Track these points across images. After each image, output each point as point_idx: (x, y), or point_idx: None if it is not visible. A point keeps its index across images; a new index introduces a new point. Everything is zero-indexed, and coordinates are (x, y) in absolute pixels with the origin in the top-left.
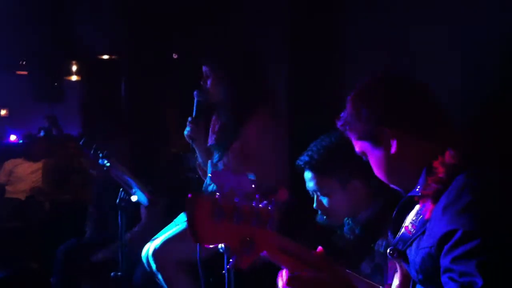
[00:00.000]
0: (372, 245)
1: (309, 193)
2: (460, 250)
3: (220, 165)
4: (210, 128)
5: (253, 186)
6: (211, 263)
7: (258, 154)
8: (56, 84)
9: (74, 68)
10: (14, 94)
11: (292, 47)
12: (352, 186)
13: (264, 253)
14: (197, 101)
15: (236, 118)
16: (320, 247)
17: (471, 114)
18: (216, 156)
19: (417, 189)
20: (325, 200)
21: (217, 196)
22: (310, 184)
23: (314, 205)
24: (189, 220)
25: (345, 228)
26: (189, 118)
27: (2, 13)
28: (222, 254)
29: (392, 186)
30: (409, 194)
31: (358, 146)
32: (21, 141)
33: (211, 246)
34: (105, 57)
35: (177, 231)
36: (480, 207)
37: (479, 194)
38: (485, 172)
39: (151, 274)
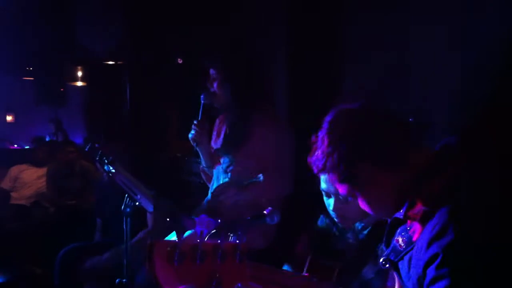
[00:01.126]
0: (376, 249)
1: (306, 196)
2: (432, 273)
3: (230, 170)
4: (214, 132)
5: (218, 221)
6: None
7: (265, 156)
8: (62, 89)
9: (79, 73)
10: (20, 99)
11: (292, 46)
12: None
13: (238, 286)
14: (203, 104)
15: (243, 120)
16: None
17: (471, 115)
18: (225, 161)
19: (401, 211)
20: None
21: (176, 241)
22: (325, 185)
23: (331, 207)
24: (149, 267)
25: (349, 232)
26: (194, 121)
27: (7, 18)
28: None
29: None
30: (394, 216)
31: (341, 189)
32: (27, 147)
33: None
34: (110, 62)
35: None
36: (458, 248)
37: (460, 234)
38: (472, 206)
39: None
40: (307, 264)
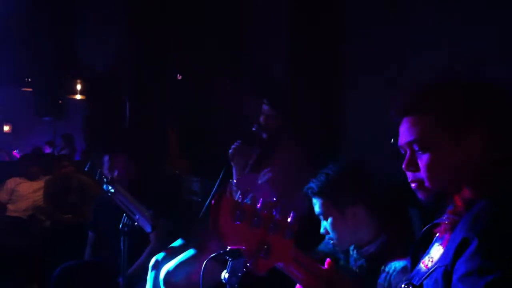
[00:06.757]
0: (375, 278)
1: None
2: (473, 264)
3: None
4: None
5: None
6: None
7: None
8: (60, 101)
9: (79, 87)
10: (18, 110)
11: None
12: (350, 212)
13: (280, 264)
14: (253, 131)
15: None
16: (328, 260)
17: None
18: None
19: (444, 217)
20: (327, 225)
21: (239, 200)
22: (316, 209)
23: (321, 229)
24: (212, 218)
25: (351, 259)
26: (238, 141)
27: (9, 30)
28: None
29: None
30: (435, 222)
31: None
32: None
33: (230, 246)
34: (110, 76)
35: (187, 257)
36: (497, 227)
37: (496, 217)
38: (502, 201)
39: None
40: None
